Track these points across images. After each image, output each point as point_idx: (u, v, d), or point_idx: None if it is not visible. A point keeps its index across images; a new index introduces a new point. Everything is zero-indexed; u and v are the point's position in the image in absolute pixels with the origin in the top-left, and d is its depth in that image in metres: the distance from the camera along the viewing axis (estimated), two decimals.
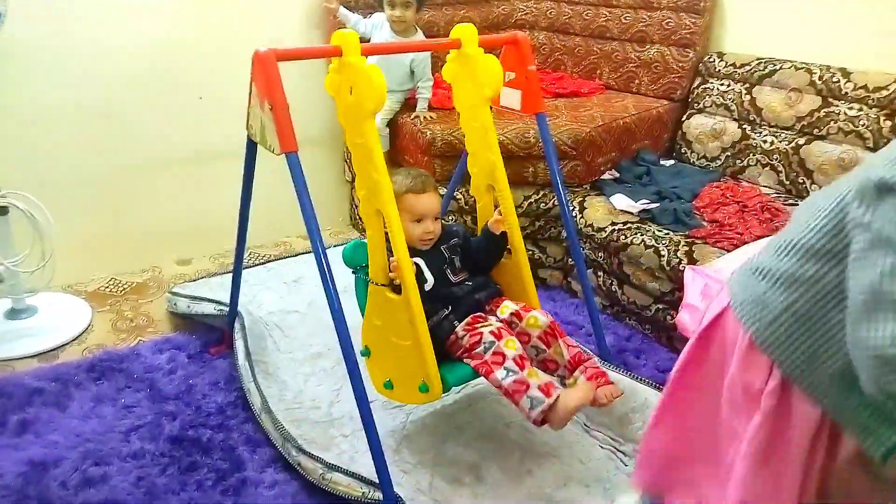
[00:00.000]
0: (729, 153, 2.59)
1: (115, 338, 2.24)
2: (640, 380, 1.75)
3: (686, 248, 2.05)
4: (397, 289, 1.52)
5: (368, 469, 1.51)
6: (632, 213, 2.30)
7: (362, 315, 1.64)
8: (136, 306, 2.45)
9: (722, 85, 2.62)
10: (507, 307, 1.64)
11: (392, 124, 2.72)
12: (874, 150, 2.18)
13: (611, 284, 2.33)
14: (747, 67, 2.54)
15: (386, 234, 1.52)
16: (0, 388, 1.90)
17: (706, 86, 2.68)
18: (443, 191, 2.34)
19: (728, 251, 1.99)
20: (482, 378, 1.53)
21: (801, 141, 2.39)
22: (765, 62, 2.51)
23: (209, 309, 2.19)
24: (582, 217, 2.36)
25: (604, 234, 2.26)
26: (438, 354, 1.52)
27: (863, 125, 2.23)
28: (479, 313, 1.61)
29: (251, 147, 1.71)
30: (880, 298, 0.82)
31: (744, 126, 2.55)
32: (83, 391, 1.92)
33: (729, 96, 2.59)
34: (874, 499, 1.10)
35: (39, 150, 2.38)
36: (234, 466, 1.67)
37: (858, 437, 0.98)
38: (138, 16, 2.44)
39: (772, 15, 2.54)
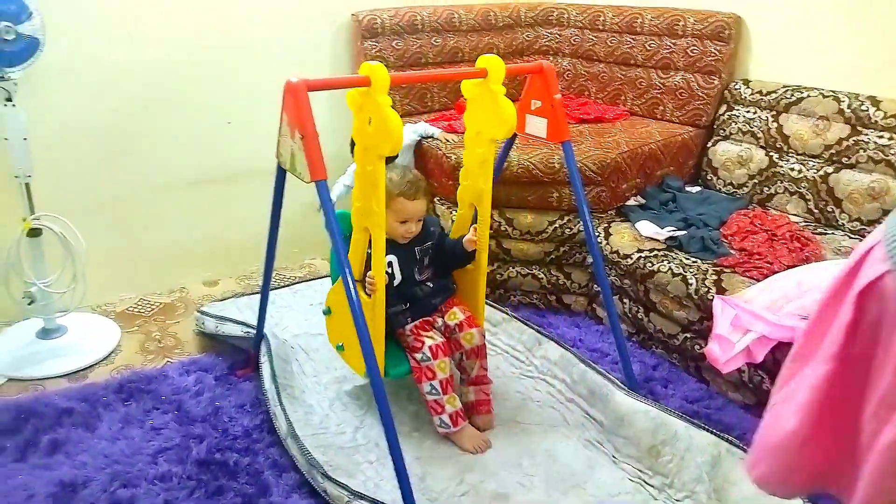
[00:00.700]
0: (756, 180, 2.58)
1: (143, 358, 2.27)
2: (669, 411, 1.72)
3: (714, 277, 2.03)
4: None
5: (393, 496, 1.51)
6: (658, 240, 2.29)
7: (332, 281, 1.85)
8: (163, 327, 2.47)
9: (748, 112, 2.62)
10: (455, 315, 1.87)
11: (416, 146, 2.72)
12: None
13: (637, 312, 2.32)
14: (774, 95, 2.54)
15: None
16: (31, 408, 1.92)
17: (732, 113, 2.67)
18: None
19: (757, 280, 1.97)
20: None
21: (830, 169, 2.37)
22: (791, 90, 2.50)
23: (236, 331, 2.21)
24: (607, 243, 2.35)
25: (630, 261, 2.26)
26: (388, 335, 1.78)
27: (894, 154, 2.21)
28: (428, 318, 1.85)
29: (281, 174, 1.73)
30: None
31: (771, 153, 2.54)
32: (111, 412, 1.94)
33: (755, 123, 2.58)
34: None
35: (69, 172, 2.43)
36: (260, 491, 1.67)
37: None
38: (166, 39, 2.49)
39: (798, 43, 2.54)
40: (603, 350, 2.28)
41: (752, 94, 2.61)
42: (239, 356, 2.21)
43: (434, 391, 1.77)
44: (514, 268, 2.54)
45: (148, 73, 2.49)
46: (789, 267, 2.00)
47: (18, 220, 2.15)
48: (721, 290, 1.97)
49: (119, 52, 2.42)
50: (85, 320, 2.43)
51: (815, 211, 2.41)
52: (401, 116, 1.51)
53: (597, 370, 1.91)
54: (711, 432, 1.64)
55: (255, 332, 2.11)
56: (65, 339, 2.32)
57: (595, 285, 2.49)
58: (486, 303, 2.05)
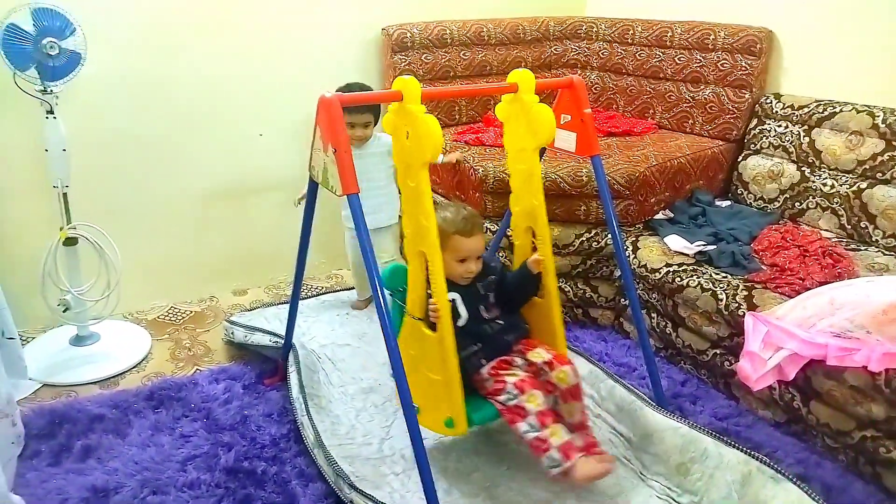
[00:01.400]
0: (787, 195, 2.54)
1: (174, 366, 2.30)
2: (699, 428, 1.70)
3: (745, 293, 2.01)
4: (433, 325, 1.58)
5: None
6: (687, 255, 2.27)
7: (395, 337, 1.66)
8: (193, 335, 2.51)
9: (779, 126, 2.59)
10: (539, 354, 1.69)
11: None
12: None
13: (665, 327, 2.29)
14: (806, 109, 2.51)
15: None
16: (65, 413, 1.96)
17: (763, 127, 2.65)
18: (492, 227, 2.36)
19: (789, 297, 1.94)
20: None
21: (863, 185, 2.33)
22: (824, 104, 2.47)
23: (265, 340, 2.23)
24: (635, 257, 2.34)
25: (658, 276, 2.24)
26: (465, 386, 1.61)
27: None
28: (506, 357, 1.68)
29: (313, 187, 1.76)
30: None
31: (802, 168, 2.51)
32: (142, 419, 1.97)
33: (787, 138, 2.56)
34: None
35: (105, 182, 2.49)
36: (287, 500, 1.68)
37: None
38: (202, 54, 2.55)
39: (830, 57, 2.51)
40: (630, 365, 2.26)
41: (783, 108, 2.58)
42: (267, 365, 2.23)
43: (532, 429, 1.55)
44: None
45: (181, 87, 2.55)
46: (821, 283, 1.96)
47: (55, 229, 2.21)
48: (752, 307, 1.95)
49: (155, 66, 2.48)
50: (117, 328, 2.48)
51: (848, 227, 2.37)
52: None
53: (625, 386, 1.89)
54: (741, 450, 1.61)
55: (283, 341, 2.14)
56: (97, 347, 2.36)
57: (622, 299, 2.47)
58: None
